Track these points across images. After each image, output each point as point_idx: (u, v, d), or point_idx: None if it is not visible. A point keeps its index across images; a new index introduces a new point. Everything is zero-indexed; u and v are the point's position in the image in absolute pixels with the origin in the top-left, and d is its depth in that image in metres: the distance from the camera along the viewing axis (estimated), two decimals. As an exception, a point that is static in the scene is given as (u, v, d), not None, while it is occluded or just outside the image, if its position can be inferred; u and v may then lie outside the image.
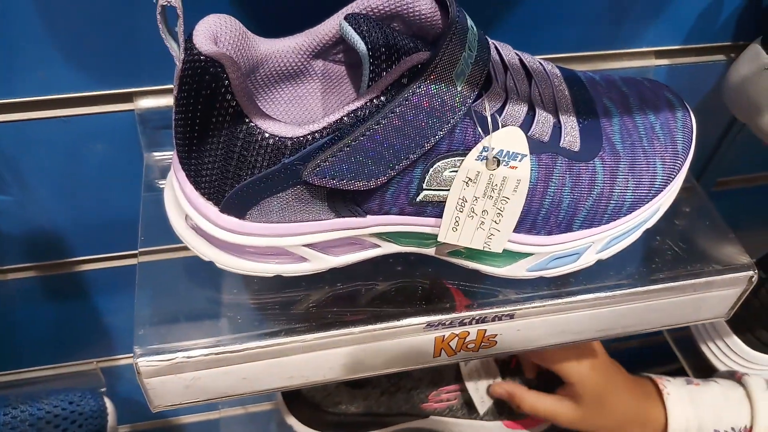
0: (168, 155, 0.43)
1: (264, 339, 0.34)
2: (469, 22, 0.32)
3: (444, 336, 0.37)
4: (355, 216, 0.33)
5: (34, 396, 0.52)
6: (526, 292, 0.38)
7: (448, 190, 0.32)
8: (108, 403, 0.55)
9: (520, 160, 0.32)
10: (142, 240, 0.38)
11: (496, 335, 0.38)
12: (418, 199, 0.33)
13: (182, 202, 0.33)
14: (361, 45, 0.31)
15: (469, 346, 0.38)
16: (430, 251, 0.36)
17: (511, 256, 0.36)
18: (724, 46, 0.51)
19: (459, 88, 0.30)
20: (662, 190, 0.37)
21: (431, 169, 0.32)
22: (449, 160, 0.32)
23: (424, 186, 0.32)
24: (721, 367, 0.59)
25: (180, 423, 0.73)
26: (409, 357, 0.38)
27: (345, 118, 0.29)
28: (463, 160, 0.31)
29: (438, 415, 0.60)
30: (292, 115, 0.37)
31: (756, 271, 0.40)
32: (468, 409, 0.59)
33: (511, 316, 0.37)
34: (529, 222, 0.35)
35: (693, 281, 0.39)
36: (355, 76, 0.37)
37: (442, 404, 0.59)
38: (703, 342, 0.60)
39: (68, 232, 0.49)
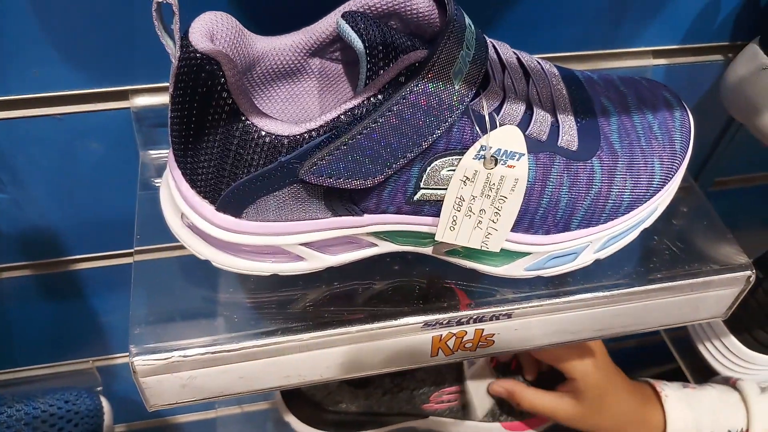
0: (164, 153, 0.43)
1: (261, 338, 0.34)
2: (467, 20, 0.32)
3: (441, 335, 0.37)
4: (352, 215, 0.33)
5: (30, 395, 0.52)
6: (523, 291, 0.37)
7: (446, 189, 0.32)
8: (104, 402, 0.54)
9: (517, 159, 0.32)
10: (138, 239, 0.38)
11: (494, 335, 0.38)
12: (415, 198, 0.33)
13: (178, 200, 0.33)
14: (358, 43, 0.31)
15: (466, 346, 0.38)
16: (428, 250, 0.36)
17: (508, 255, 0.36)
18: (722, 46, 0.51)
19: (457, 87, 0.30)
20: (660, 190, 0.37)
21: (429, 168, 0.32)
22: (447, 158, 0.32)
23: (422, 185, 0.32)
24: (718, 367, 0.59)
25: (176, 422, 0.73)
26: (406, 356, 0.38)
27: (342, 117, 0.29)
28: (460, 159, 0.31)
29: (438, 416, 0.60)
30: (288, 113, 0.37)
31: (754, 270, 0.40)
32: (468, 410, 0.59)
33: (509, 316, 0.37)
34: (527, 221, 0.35)
35: (691, 281, 0.39)
36: (352, 75, 0.37)
37: (442, 405, 0.59)
38: (700, 342, 0.60)
39: (63, 230, 0.49)
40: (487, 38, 0.34)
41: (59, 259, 0.51)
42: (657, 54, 0.49)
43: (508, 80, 0.34)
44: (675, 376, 0.63)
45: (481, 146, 0.31)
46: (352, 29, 0.31)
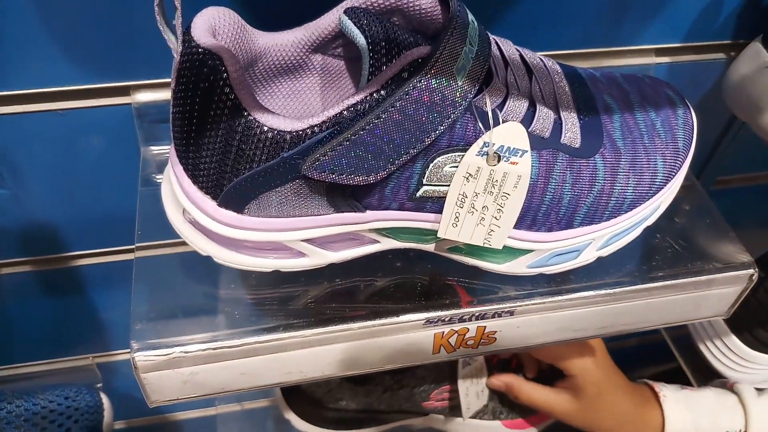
0: (165, 149, 0.43)
1: (262, 334, 0.34)
2: (470, 16, 0.32)
3: (443, 332, 0.37)
4: (355, 211, 0.33)
5: (29, 391, 0.52)
6: (525, 288, 0.37)
7: (449, 185, 0.32)
8: (104, 399, 0.54)
9: (520, 156, 0.32)
10: (139, 235, 0.38)
11: (496, 332, 0.38)
12: (417, 195, 0.33)
13: (180, 196, 0.33)
14: (360, 39, 0.31)
15: (468, 343, 0.38)
16: (430, 247, 0.36)
17: (511, 252, 0.36)
18: (725, 45, 0.51)
19: (460, 83, 0.30)
20: (663, 188, 0.37)
21: (431, 165, 0.32)
22: (449, 155, 0.31)
23: (424, 181, 0.32)
24: (719, 367, 0.59)
25: (176, 419, 0.73)
26: (408, 353, 0.37)
27: (345, 112, 0.29)
28: (463, 155, 0.31)
29: (438, 414, 0.60)
30: (290, 109, 0.37)
31: (756, 269, 0.40)
32: (458, 410, 0.59)
33: (511, 313, 0.37)
34: (530, 218, 0.34)
35: (693, 279, 0.39)
36: (355, 71, 0.36)
37: (443, 403, 0.59)
38: (701, 341, 0.59)
39: (64, 226, 0.49)
40: (489, 35, 0.34)
41: (59, 255, 0.51)
42: (659, 52, 0.49)
43: (511, 77, 0.34)
44: (676, 375, 0.63)
45: (484, 143, 0.31)
46: (355, 25, 0.31)
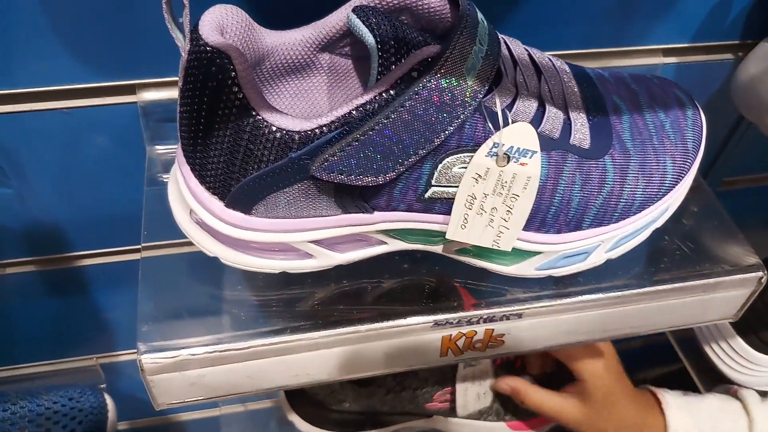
0: (171, 149, 0.43)
1: (269, 336, 0.34)
2: (479, 15, 0.32)
3: (451, 335, 0.36)
4: (363, 212, 0.33)
5: (33, 392, 0.52)
6: (534, 291, 0.37)
7: (457, 186, 0.32)
8: (108, 400, 0.54)
9: (530, 157, 0.31)
10: (146, 235, 0.38)
11: (504, 335, 0.37)
12: (426, 196, 0.32)
13: (187, 196, 0.32)
14: (369, 38, 0.31)
15: (476, 346, 0.38)
16: (438, 249, 0.36)
17: (519, 254, 0.35)
18: (732, 45, 0.50)
19: (470, 83, 0.29)
20: (672, 189, 0.36)
21: (440, 165, 0.31)
22: (459, 156, 0.31)
23: (433, 182, 0.32)
24: (724, 369, 0.58)
25: (180, 420, 0.73)
26: (415, 356, 0.37)
27: (354, 112, 0.29)
28: (472, 156, 0.31)
29: (441, 415, 0.60)
30: (297, 108, 0.36)
31: (765, 271, 0.40)
32: (456, 411, 0.59)
33: (520, 316, 0.37)
34: (539, 220, 0.34)
35: (701, 282, 0.39)
36: (362, 70, 0.36)
37: (446, 404, 0.59)
38: (706, 343, 0.59)
39: (68, 226, 0.48)
40: (499, 34, 0.33)
41: (63, 255, 0.50)
42: (667, 52, 0.49)
43: (520, 77, 0.34)
44: (680, 376, 0.63)
45: (494, 143, 0.31)
46: (364, 24, 0.31)
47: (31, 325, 0.56)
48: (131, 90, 0.41)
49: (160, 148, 0.43)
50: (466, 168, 0.31)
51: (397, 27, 0.31)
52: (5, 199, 0.45)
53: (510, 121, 0.31)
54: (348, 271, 0.36)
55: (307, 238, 0.33)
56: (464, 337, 0.37)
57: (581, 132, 0.34)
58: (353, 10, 0.32)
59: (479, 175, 0.31)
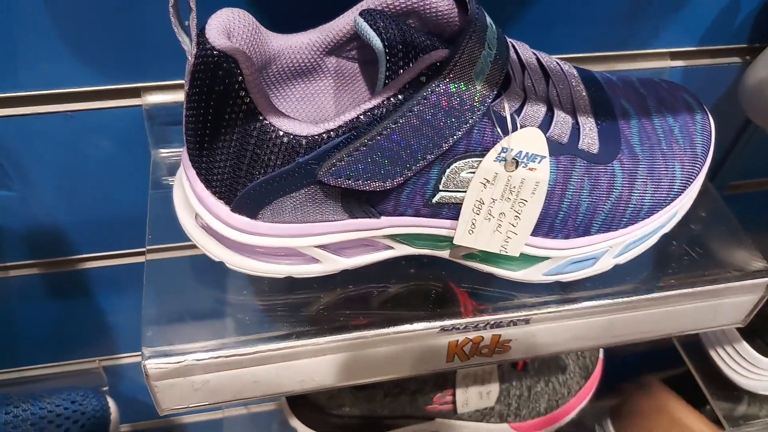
0: (176, 152, 0.43)
1: (274, 342, 0.33)
2: (488, 19, 0.31)
3: (458, 341, 0.36)
4: (369, 217, 0.33)
5: (36, 395, 0.52)
6: (541, 296, 0.37)
7: (465, 191, 0.32)
8: (111, 403, 0.54)
9: (539, 162, 0.31)
10: (150, 239, 0.37)
11: (511, 340, 0.37)
12: (434, 201, 0.32)
13: (192, 200, 0.32)
14: (377, 42, 0.30)
15: (482, 351, 0.37)
16: (445, 254, 0.36)
17: (527, 259, 0.35)
18: (740, 48, 0.50)
19: (478, 87, 0.29)
20: (680, 194, 0.36)
21: (448, 170, 0.31)
22: (467, 160, 0.31)
23: (441, 187, 0.32)
24: (729, 374, 0.58)
25: (183, 423, 0.72)
26: (421, 361, 0.37)
27: (362, 117, 0.29)
28: (480, 161, 0.31)
29: (442, 418, 0.60)
30: (303, 112, 0.36)
31: (774, 276, 0.39)
32: (456, 412, 0.59)
33: (527, 321, 0.36)
34: (547, 225, 0.34)
35: (710, 287, 0.39)
36: (369, 74, 0.36)
37: (447, 406, 0.59)
38: (711, 347, 0.59)
39: (71, 229, 0.48)
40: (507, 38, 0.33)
41: (67, 258, 0.50)
42: (674, 56, 0.49)
43: (528, 81, 0.33)
44: (684, 380, 0.63)
45: (503, 148, 0.31)
46: (371, 27, 0.31)
47: (34, 328, 0.56)
48: (136, 93, 0.41)
49: (165, 152, 0.43)
50: (474, 173, 0.31)
51: (405, 31, 0.31)
52: (9, 202, 0.45)
53: (519, 125, 0.31)
54: (354, 276, 0.36)
55: (314, 243, 0.33)
56: (471, 343, 0.37)
57: (590, 136, 0.34)
58: (360, 14, 0.32)
59: (487, 180, 0.31)
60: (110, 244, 0.50)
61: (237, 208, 0.31)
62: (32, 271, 0.50)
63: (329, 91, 0.36)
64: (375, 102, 0.29)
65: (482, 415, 0.59)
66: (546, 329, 0.37)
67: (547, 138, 0.32)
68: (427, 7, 0.32)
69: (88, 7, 0.37)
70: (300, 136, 0.29)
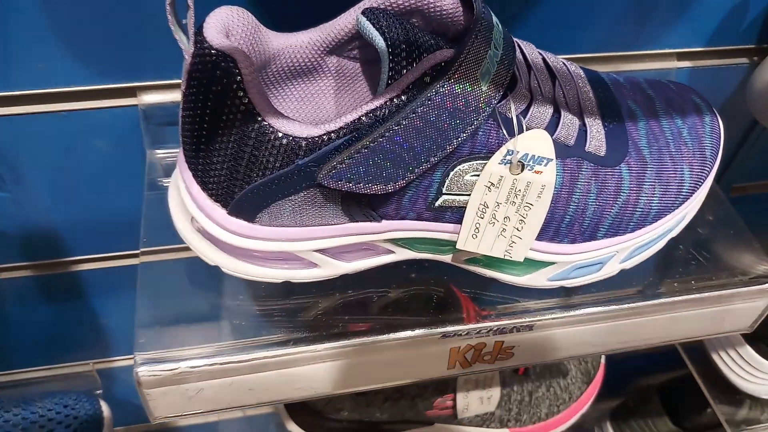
0: (172, 153, 0.42)
1: (271, 348, 0.33)
2: (494, 19, 0.31)
3: (459, 347, 0.35)
4: (370, 221, 0.32)
5: (27, 398, 0.51)
6: (545, 302, 0.36)
7: (469, 194, 0.31)
8: (104, 406, 0.53)
9: (545, 165, 0.30)
10: (144, 242, 0.37)
11: (514, 347, 0.36)
12: (436, 204, 0.31)
13: (188, 203, 0.31)
14: (379, 41, 0.29)
15: (485, 358, 0.37)
16: (447, 258, 0.35)
17: (532, 264, 0.34)
18: (748, 49, 0.50)
19: (484, 88, 0.28)
20: (689, 198, 0.36)
21: (452, 173, 0.30)
22: (471, 163, 0.30)
23: (444, 190, 0.31)
24: (732, 377, 0.58)
25: (177, 426, 0.72)
26: (422, 368, 0.36)
27: (363, 118, 0.28)
28: (485, 163, 0.30)
29: (444, 422, 0.59)
30: (303, 113, 0.35)
31: (783, 282, 0.39)
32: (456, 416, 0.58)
33: (531, 328, 0.36)
34: (553, 229, 0.33)
35: (718, 293, 0.38)
36: (370, 74, 0.35)
37: (447, 411, 0.58)
38: (714, 351, 0.59)
39: (65, 230, 0.48)
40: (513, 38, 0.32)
41: (60, 260, 0.50)
42: (681, 56, 0.48)
43: (534, 82, 0.33)
44: (686, 383, 0.62)
45: (508, 150, 0.30)
46: (374, 26, 0.30)
47: (27, 330, 0.55)
48: (132, 93, 0.40)
49: (161, 152, 0.42)
50: (478, 176, 0.30)
51: (409, 30, 0.30)
52: (2, 203, 0.44)
53: (525, 127, 0.30)
54: (353, 281, 0.35)
55: (313, 247, 0.32)
56: (473, 350, 0.36)
57: (597, 139, 0.33)
58: (363, 12, 0.31)
59: (492, 183, 0.30)
60: (105, 246, 0.49)
61: (234, 211, 0.31)
62: (25, 273, 0.50)
63: (330, 91, 0.35)
64: (377, 103, 0.28)
65: (483, 420, 0.59)
66: (550, 335, 0.37)
67: (553, 140, 0.31)
68: (432, 5, 0.31)
69: (82, 5, 0.36)
70: (299, 138, 0.28)
